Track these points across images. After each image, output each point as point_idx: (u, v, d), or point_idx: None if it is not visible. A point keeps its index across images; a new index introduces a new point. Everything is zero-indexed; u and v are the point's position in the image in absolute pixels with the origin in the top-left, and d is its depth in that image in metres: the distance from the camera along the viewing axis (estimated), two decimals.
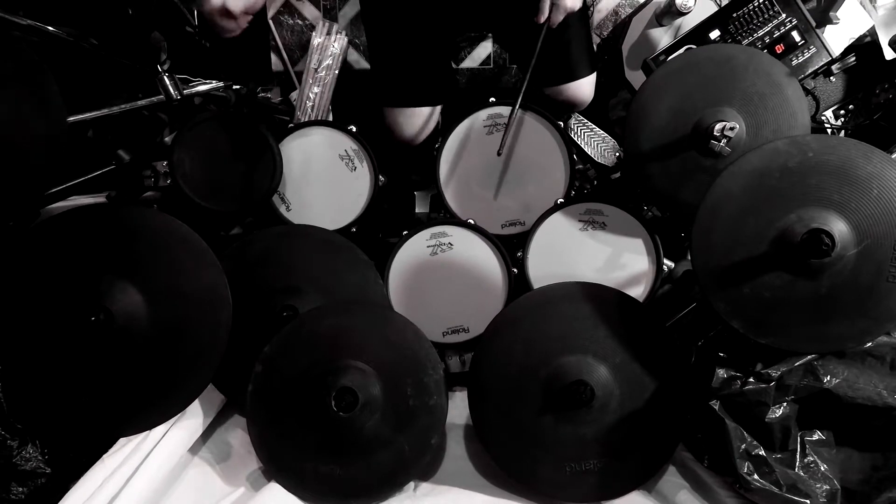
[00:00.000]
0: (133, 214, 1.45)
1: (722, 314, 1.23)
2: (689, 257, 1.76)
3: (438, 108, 1.86)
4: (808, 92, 1.72)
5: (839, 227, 1.15)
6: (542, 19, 1.50)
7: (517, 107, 1.62)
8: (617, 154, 1.94)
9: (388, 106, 1.81)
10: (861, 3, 1.64)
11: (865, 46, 1.72)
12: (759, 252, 1.20)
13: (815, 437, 1.27)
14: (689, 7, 1.73)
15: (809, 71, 1.61)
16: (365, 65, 2.25)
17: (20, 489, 1.30)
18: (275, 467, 1.37)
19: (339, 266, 1.66)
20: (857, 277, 1.16)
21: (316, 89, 2.03)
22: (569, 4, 1.49)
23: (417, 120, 1.82)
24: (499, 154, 1.65)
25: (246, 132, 1.68)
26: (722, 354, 1.32)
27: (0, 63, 1.33)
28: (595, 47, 1.86)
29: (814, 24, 1.60)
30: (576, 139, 1.93)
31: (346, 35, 2.17)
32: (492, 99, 1.77)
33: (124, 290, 1.38)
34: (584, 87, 1.80)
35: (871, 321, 1.18)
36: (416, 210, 2.05)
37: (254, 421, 1.40)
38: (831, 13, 1.61)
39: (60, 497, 1.22)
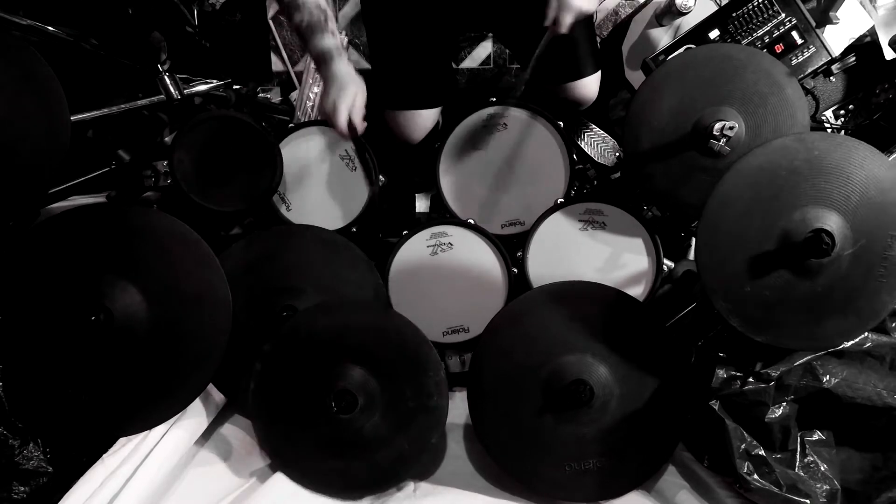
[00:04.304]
0: (133, 214, 1.45)
1: (722, 312, 1.23)
2: (693, 255, 1.76)
3: (439, 108, 1.86)
4: (807, 92, 1.72)
5: (839, 227, 1.15)
6: (548, 21, 1.44)
7: (524, 78, 1.64)
8: (617, 154, 1.94)
9: (388, 109, 1.81)
10: (861, 3, 1.64)
11: (865, 46, 1.72)
12: (762, 251, 1.20)
13: (815, 437, 1.27)
14: (689, 7, 1.73)
15: (809, 71, 1.61)
16: (365, 65, 2.25)
17: (22, 488, 1.30)
18: (280, 461, 1.38)
19: (339, 266, 1.66)
20: (850, 276, 1.17)
21: (316, 89, 2.03)
22: (575, 6, 1.39)
23: (418, 121, 1.82)
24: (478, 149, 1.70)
25: (246, 132, 1.68)
26: (722, 354, 1.32)
27: (4, 63, 1.33)
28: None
29: (814, 23, 1.60)
30: (576, 139, 1.93)
31: (346, 35, 2.17)
32: (492, 99, 1.77)
33: (124, 290, 1.38)
34: (590, 86, 1.80)
35: (858, 319, 1.19)
36: (416, 210, 2.05)
37: (258, 418, 1.41)
38: (831, 13, 1.61)
39: (62, 496, 1.22)
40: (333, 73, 1.49)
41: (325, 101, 1.50)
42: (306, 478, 1.36)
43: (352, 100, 1.48)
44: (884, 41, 1.66)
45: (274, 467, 1.39)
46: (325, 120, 1.54)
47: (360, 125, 1.51)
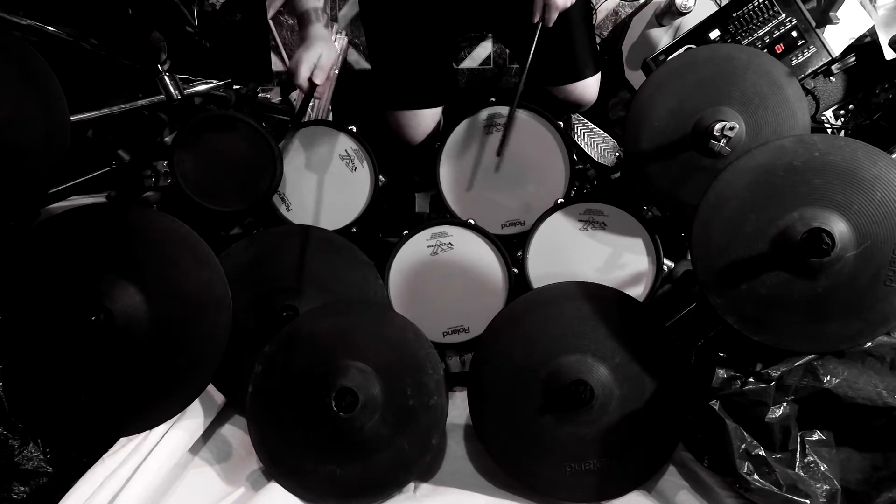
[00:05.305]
0: (133, 214, 1.45)
1: (717, 309, 1.23)
2: (689, 252, 1.76)
3: (440, 108, 1.86)
4: (808, 92, 1.72)
5: (840, 228, 1.15)
6: (536, 19, 1.51)
7: (514, 108, 1.64)
8: (617, 154, 1.94)
9: (390, 109, 1.81)
10: (861, 3, 1.64)
11: (865, 46, 1.72)
12: (758, 249, 1.20)
13: (815, 437, 1.27)
14: (689, 7, 1.73)
15: (809, 71, 1.61)
16: (365, 65, 2.26)
17: (22, 488, 1.30)
18: (275, 467, 1.37)
19: (339, 266, 1.66)
20: (855, 279, 1.16)
21: None
22: (560, 3, 1.48)
23: (421, 121, 1.82)
24: (498, 154, 1.67)
25: (246, 132, 1.68)
26: (722, 354, 1.32)
27: (4, 63, 1.33)
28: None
29: (814, 23, 1.60)
30: (576, 139, 1.93)
31: (346, 35, 2.17)
32: (492, 99, 1.77)
33: (124, 290, 1.38)
34: (590, 87, 1.80)
35: (865, 323, 1.18)
36: (416, 210, 2.05)
37: (254, 421, 1.40)
38: (831, 13, 1.61)
39: (62, 496, 1.22)
40: (307, 33, 1.57)
41: (293, 57, 1.58)
42: (303, 486, 1.35)
43: (315, 58, 1.53)
44: (884, 41, 1.66)
45: (269, 475, 1.38)
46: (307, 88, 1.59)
47: (321, 81, 1.56)
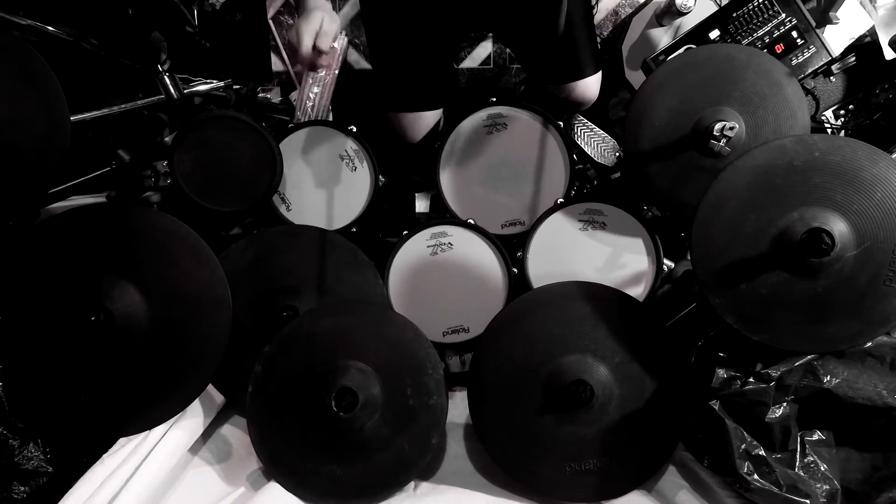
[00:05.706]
0: (133, 214, 1.45)
1: (717, 308, 1.23)
2: (689, 252, 1.77)
3: (441, 109, 1.86)
4: (807, 92, 1.72)
5: (840, 228, 1.15)
6: None
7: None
8: (617, 154, 1.94)
9: (392, 111, 1.81)
10: (861, 3, 1.64)
11: (865, 46, 1.72)
12: (758, 249, 1.20)
13: (815, 437, 1.27)
14: (689, 7, 1.73)
15: (809, 71, 1.61)
16: (365, 65, 2.26)
17: (22, 488, 1.30)
18: (275, 467, 1.37)
19: (339, 266, 1.66)
20: (855, 279, 1.16)
21: (316, 89, 2.03)
22: None
23: (422, 123, 1.82)
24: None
25: (246, 132, 1.68)
26: (722, 354, 1.32)
27: (4, 63, 1.33)
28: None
29: (814, 23, 1.60)
30: (576, 139, 1.93)
31: (346, 35, 2.17)
32: (492, 99, 1.78)
33: (124, 290, 1.38)
34: (591, 86, 1.80)
35: (865, 323, 1.18)
36: (416, 210, 2.05)
37: (254, 421, 1.40)
38: (831, 13, 1.61)
39: (62, 496, 1.22)
40: (305, 2, 1.44)
41: (291, 29, 1.45)
42: (303, 486, 1.35)
43: (316, 26, 1.40)
44: (884, 41, 1.66)
45: (269, 475, 1.38)
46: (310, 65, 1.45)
47: (327, 46, 1.43)
